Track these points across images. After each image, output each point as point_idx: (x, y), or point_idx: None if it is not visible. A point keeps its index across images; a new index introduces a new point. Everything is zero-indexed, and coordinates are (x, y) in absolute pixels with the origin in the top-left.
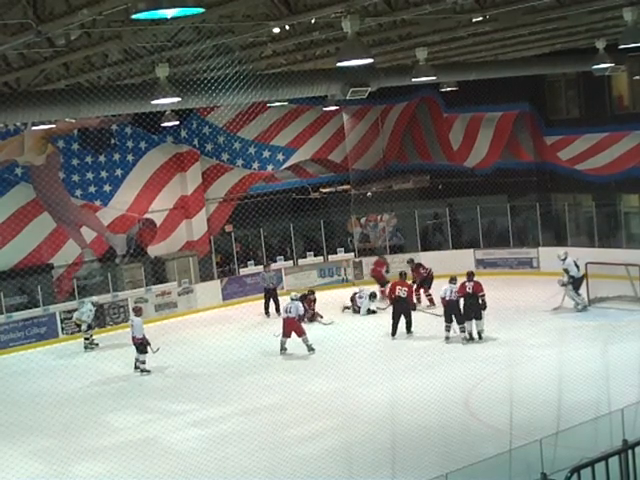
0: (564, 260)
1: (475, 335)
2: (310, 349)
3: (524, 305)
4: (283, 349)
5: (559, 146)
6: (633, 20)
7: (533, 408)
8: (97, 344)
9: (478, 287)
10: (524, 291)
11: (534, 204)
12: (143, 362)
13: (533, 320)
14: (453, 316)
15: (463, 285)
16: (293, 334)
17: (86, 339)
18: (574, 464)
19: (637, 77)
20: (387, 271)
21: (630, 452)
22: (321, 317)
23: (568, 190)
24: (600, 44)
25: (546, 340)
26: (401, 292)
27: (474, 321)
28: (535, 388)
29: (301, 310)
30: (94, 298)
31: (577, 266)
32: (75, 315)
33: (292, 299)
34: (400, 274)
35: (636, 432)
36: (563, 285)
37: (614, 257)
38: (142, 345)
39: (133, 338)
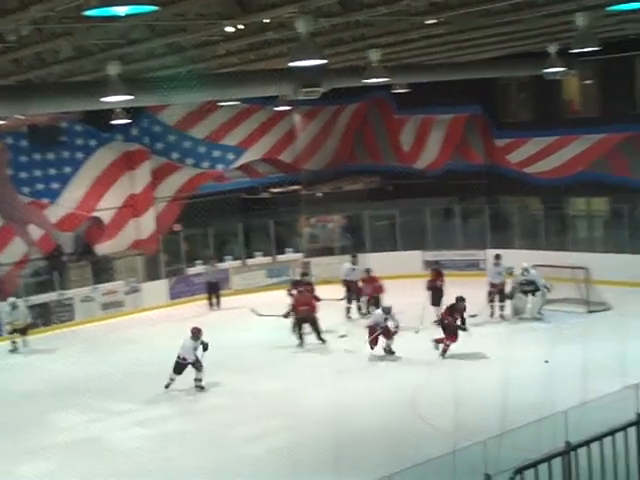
0: (527, 272)
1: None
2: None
3: (471, 307)
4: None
5: (509, 149)
6: (585, 25)
7: (478, 410)
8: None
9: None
10: (471, 293)
11: (483, 206)
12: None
13: (479, 322)
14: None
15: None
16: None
17: (14, 342)
18: (517, 465)
19: (588, 81)
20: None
21: (573, 454)
22: None
23: (517, 193)
24: (552, 48)
25: (492, 342)
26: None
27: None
28: (480, 390)
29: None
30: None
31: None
32: (9, 320)
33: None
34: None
35: (579, 434)
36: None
37: (561, 260)
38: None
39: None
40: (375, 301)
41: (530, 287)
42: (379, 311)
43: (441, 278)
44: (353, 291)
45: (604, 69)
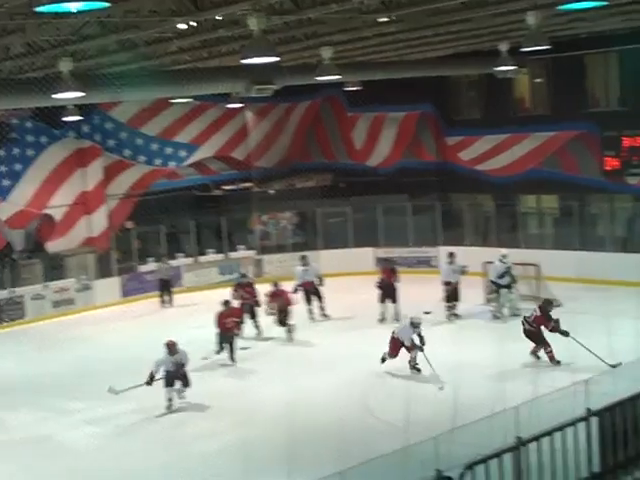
0: (505, 258)
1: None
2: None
3: (423, 304)
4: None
5: (460, 146)
6: (536, 24)
7: (430, 406)
8: None
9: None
10: (423, 290)
11: (435, 204)
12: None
13: (431, 318)
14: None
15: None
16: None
17: None
18: (468, 461)
19: (538, 79)
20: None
21: (523, 449)
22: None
23: (468, 190)
24: (503, 47)
25: (444, 338)
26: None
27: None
28: (432, 386)
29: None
30: None
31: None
32: None
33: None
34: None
35: (530, 429)
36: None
37: (512, 257)
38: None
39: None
40: (284, 315)
41: (506, 281)
42: (407, 325)
43: (394, 275)
44: (310, 292)
45: (554, 68)
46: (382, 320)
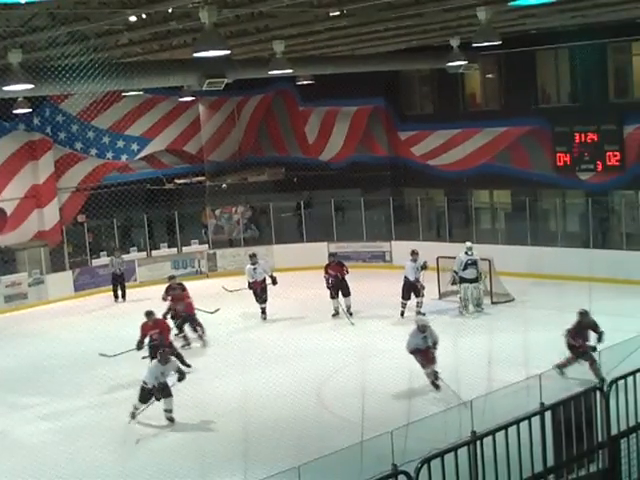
0: (470, 250)
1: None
2: None
3: (377, 298)
4: None
5: (413, 141)
6: (487, 19)
7: (384, 400)
8: None
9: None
10: (377, 285)
11: (387, 198)
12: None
13: (385, 314)
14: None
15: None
16: None
17: None
18: (424, 455)
19: (489, 75)
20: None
21: (479, 443)
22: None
23: (421, 185)
24: (454, 42)
25: (397, 333)
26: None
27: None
28: (387, 381)
29: None
30: None
31: None
32: None
33: None
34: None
35: (484, 424)
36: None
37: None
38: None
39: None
40: (183, 320)
41: (471, 274)
42: (415, 331)
43: (342, 269)
44: (258, 292)
45: (505, 63)
46: (335, 315)
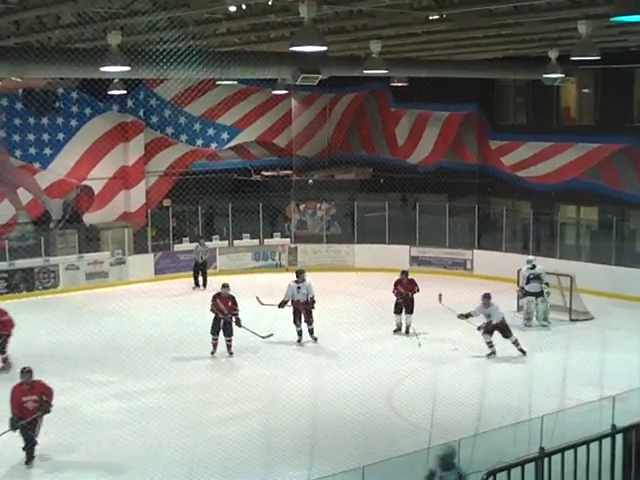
0: (533, 265)
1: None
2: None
3: (454, 305)
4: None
5: (503, 151)
6: (587, 33)
7: (455, 408)
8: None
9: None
10: (456, 292)
11: (473, 206)
12: None
13: (462, 321)
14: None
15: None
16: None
17: None
18: (490, 467)
19: (585, 90)
20: None
21: (546, 460)
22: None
23: (508, 195)
24: (552, 54)
25: (473, 342)
26: None
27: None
28: (458, 389)
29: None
30: None
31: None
32: None
33: None
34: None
35: (554, 440)
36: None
37: (547, 266)
38: None
39: None
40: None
41: (535, 288)
42: (479, 306)
43: (415, 288)
44: (301, 313)
45: (602, 79)
46: (397, 331)
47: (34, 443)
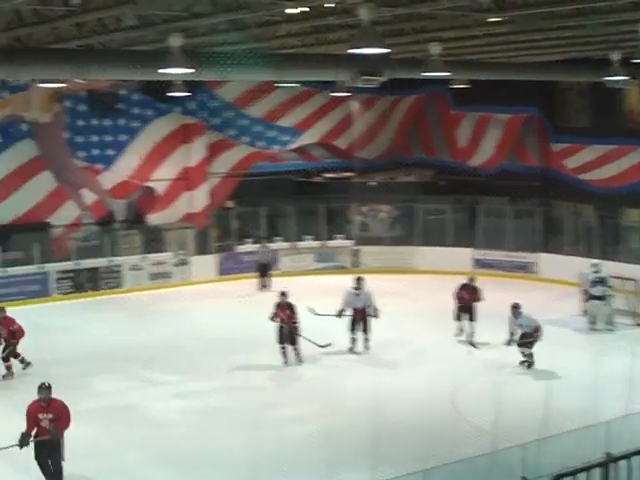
0: (597, 269)
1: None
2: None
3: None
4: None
5: (565, 153)
6: None
7: (519, 412)
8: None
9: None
10: (520, 295)
11: (535, 209)
12: None
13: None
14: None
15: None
16: None
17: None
18: (556, 471)
19: None
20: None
21: (613, 465)
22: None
23: (570, 198)
24: (615, 56)
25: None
26: None
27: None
28: (523, 393)
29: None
30: None
31: None
32: None
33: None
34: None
35: (620, 446)
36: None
37: (611, 270)
38: None
39: None
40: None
41: (599, 292)
42: (511, 317)
43: (477, 295)
44: (358, 321)
45: None
46: (458, 334)
47: (60, 469)
